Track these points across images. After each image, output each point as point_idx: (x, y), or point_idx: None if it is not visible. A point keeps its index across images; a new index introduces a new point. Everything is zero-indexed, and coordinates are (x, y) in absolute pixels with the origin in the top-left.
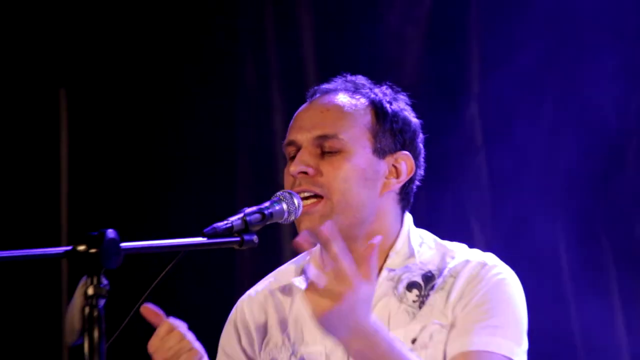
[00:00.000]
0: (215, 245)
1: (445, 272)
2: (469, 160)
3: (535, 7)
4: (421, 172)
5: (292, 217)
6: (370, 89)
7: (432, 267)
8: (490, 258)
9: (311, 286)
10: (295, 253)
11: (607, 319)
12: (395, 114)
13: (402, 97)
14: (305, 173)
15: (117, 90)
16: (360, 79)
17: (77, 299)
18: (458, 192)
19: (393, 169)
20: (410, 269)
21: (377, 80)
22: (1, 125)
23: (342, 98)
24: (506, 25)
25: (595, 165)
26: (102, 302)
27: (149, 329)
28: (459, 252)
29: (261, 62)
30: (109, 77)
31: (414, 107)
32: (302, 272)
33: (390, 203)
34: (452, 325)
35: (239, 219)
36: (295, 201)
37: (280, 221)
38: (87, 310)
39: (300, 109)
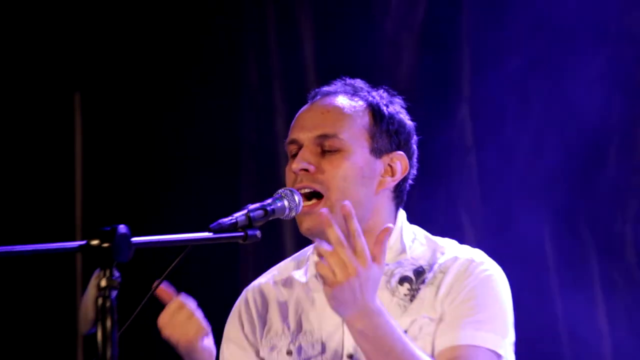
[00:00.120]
0: (220, 239)
1: (436, 267)
2: (460, 160)
3: (523, 15)
4: (414, 171)
5: (293, 213)
6: (368, 92)
7: (423, 262)
8: (478, 255)
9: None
10: (296, 246)
11: (589, 309)
12: (391, 116)
13: (397, 100)
14: (307, 170)
15: (128, 94)
16: (359, 83)
17: (91, 291)
18: (450, 189)
19: (389, 168)
20: (402, 264)
21: (374, 84)
22: (20, 128)
23: (342, 100)
24: (495, 32)
25: (578, 163)
26: (114, 293)
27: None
28: (449, 248)
29: (264, 66)
30: (120, 82)
31: (409, 110)
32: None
33: (385, 200)
34: (440, 319)
35: (243, 215)
36: (296, 198)
37: (281, 217)
38: (100, 301)
39: (302, 109)
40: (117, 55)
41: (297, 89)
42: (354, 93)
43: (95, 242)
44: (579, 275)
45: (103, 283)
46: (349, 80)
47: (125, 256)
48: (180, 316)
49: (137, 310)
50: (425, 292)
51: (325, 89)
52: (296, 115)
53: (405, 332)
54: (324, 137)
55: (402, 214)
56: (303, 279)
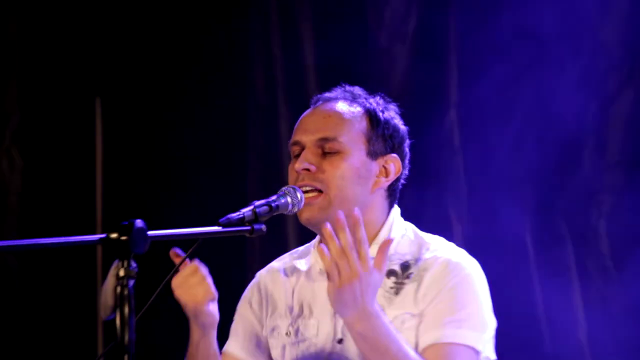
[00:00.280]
0: (229, 233)
1: (420, 263)
2: (448, 160)
3: (506, 28)
4: (406, 172)
5: (296, 209)
6: (366, 99)
7: (409, 257)
8: (457, 255)
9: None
10: (298, 239)
11: (566, 296)
12: (386, 122)
13: (392, 106)
14: (308, 170)
15: (144, 98)
16: (357, 90)
17: (110, 280)
18: (439, 187)
19: (383, 169)
20: (391, 258)
21: (370, 90)
22: (46, 130)
23: (342, 106)
24: (481, 44)
25: (556, 163)
26: (131, 282)
27: (172, 306)
28: (434, 246)
29: (268, 74)
30: (136, 87)
31: (402, 114)
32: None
33: (379, 199)
34: (422, 316)
35: (249, 210)
36: (298, 195)
37: (285, 212)
38: (118, 289)
39: (305, 113)
40: (134, 63)
41: (299, 94)
42: (353, 99)
43: (114, 235)
44: (557, 265)
45: (121, 273)
46: (348, 87)
47: (141, 248)
48: (192, 280)
49: (152, 298)
50: (408, 288)
51: (327, 95)
52: (299, 119)
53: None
54: (325, 140)
55: (395, 210)
56: (304, 268)
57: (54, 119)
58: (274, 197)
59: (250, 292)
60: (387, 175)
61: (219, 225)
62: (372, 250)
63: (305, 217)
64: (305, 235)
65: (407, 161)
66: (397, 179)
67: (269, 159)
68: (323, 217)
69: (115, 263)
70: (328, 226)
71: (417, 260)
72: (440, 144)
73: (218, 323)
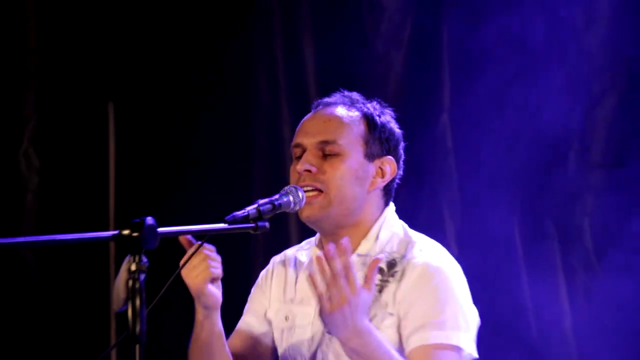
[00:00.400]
0: (234, 230)
1: (404, 262)
2: (441, 161)
3: (496, 37)
4: (401, 172)
5: (297, 207)
6: (364, 104)
7: (396, 255)
8: (436, 258)
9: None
10: (300, 236)
11: (552, 291)
12: (383, 126)
13: (388, 111)
14: (309, 171)
15: (155, 103)
16: (355, 95)
17: (122, 274)
18: (432, 188)
19: (379, 171)
20: (379, 256)
21: (367, 95)
22: (60, 133)
23: (341, 110)
24: (472, 51)
25: (543, 164)
26: (142, 276)
27: (181, 298)
28: (419, 246)
29: (272, 80)
30: (147, 92)
31: (397, 117)
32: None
33: (375, 198)
34: (403, 319)
35: (254, 208)
36: (300, 194)
37: (287, 210)
38: (130, 282)
39: (306, 117)
40: (144, 70)
41: (300, 99)
42: (351, 104)
43: (126, 232)
44: (543, 260)
45: (133, 267)
46: (346, 93)
47: (152, 244)
48: (194, 260)
49: (162, 291)
50: (390, 288)
51: (326, 100)
52: (301, 122)
53: (370, 320)
54: (325, 142)
55: (390, 208)
56: (305, 260)
57: (69, 122)
58: (276, 196)
59: (262, 276)
60: (383, 176)
61: (225, 223)
62: (363, 247)
63: (305, 215)
64: (306, 232)
65: (402, 162)
66: (393, 180)
67: (272, 160)
68: (323, 215)
69: (127, 258)
70: (321, 254)
71: (402, 258)
72: (433, 146)
73: (228, 312)
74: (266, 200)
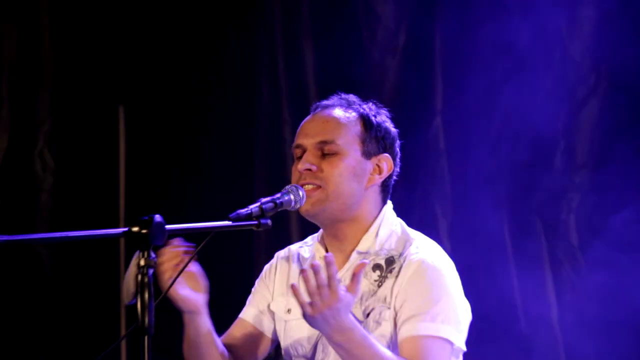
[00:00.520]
0: (238, 227)
1: (402, 259)
2: (434, 162)
3: (487, 44)
4: (398, 169)
5: (298, 206)
6: (360, 105)
7: (394, 252)
8: (432, 255)
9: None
10: (300, 233)
11: (540, 283)
12: (378, 125)
13: (383, 111)
14: (309, 170)
15: (163, 106)
16: (352, 97)
17: (132, 268)
18: (426, 186)
19: (376, 167)
20: (378, 253)
21: (364, 98)
22: (73, 135)
23: (338, 112)
24: (463, 57)
25: (531, 164)
26: (151, 271)
27: None
28: (416, 243)
29: (274, 85)
30: (156, 96)
31: (392, 119)
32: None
33: (373, 194)
34: (399, 312)
35: (256, 206)
36: (300, 193)
37: (288, 208)
38: (139, 277)
39: (306, 119)
40: (153, 75)
41: (300, 102)
42: (348, 106)
43: (135, 229)
44: (531, 254)
45: (142, 262)
46: (344, 95)
47: (160, 241)
48: (162, 266)
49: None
50: (388, 283)
51: (325, 102)
52: (301, 124)
53: (368, 314)
54: (324, 142)
55: (388, 206)
56: (307, 255)
57: (82, 124)
58: (278, 195)
59: (266, 270)
60: (380, 173)
61: (229, 220)
62: (363, 245)
63: (304, 209)
64: (306, 230)
65: (398, 160)
66: (390, 176)
67: (274, 160)
68: (320, 208)
69: (137, 254)
70: (308, 271)
71: (400, 255)
72: (427, 147)
73: (232, 306)
74: (268, 198)
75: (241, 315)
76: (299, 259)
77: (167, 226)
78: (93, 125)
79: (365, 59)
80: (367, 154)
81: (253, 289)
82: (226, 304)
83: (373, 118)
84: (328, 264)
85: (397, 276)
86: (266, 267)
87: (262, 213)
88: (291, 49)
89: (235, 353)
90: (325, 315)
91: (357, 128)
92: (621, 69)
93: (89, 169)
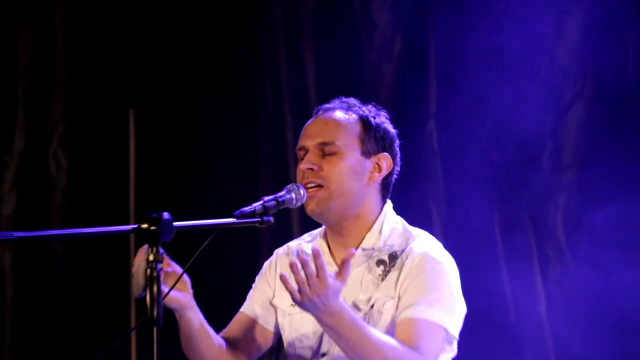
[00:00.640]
0: (242, 224)
1: (404, 254)
2: (429, 163)
3: (478, 51)
4: (398, 168)
5: (299, 203)
6: (359, 107)
7: (397, 248)
8: (434, 249)
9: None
10: (301, 229)
11: (529, 278)
12: (377, 126)
13: (383, 112)
14: (312, 169)
15: (172, 110)
16: (352, 100)
17: (141, 263)
18: (421, 186)
19: (376, 166)
20: (381, 249)
21: (363, 101)
22: (86, 136)
23: (338, 114)
24: (456, 64)
25: (521, 165)
26: (159, 265)
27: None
28: (418, 239)
29: (277, 90)
30: (166, 100)
31: (391, 120)
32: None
33: (373, 191)
34: (398, 298)
35: (260, 204)
36: (301, 191)
37: (290, 206)
38: (148, 271)
39: (308, 122)
40: (162, 80)
41: (301, 106)
42: (348, 108)
43: (145, 225)
44: (520, 250)
45: (151, 257)
46: (344, 98)
47: (168, 237)
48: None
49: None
50: (392, 275)
51: (326, 105)
52: (304, 127)
53: (373, 305)
54: (324, 144)
55: (388, 204)
56: (309, 251)
57: (94, 126)
58: (280, 194)
59: (266, 266)
60: (380, 171)
61: (234, 217)
62: (368, 241)
63: (310, 208)
64: (307, 226)
65: (398, 158)
66: (390, 174)
67: (277, 161)
68: (325, 207)
69: (146, 249)
70: (296, 263)
71: (403, 251)
72: (421, 148)
73: (236, 301)
74: (271, 197)
75: (241, 309)
76: (299, 255)
77: (175, 223)
78: (105, 127)
79: (363, 64)
80: (367, 154)
81: (253, 285)
82: (230, 297)
83: (372, 119)
84: (316, 256)
85: (400, 269)
86: (266, 263)
87: (265, 211)
88: (292, 56)
89: (235, 347)
90: (314, 300)
91: (357, 129)
92: (605, 75)
93: (100, 169)
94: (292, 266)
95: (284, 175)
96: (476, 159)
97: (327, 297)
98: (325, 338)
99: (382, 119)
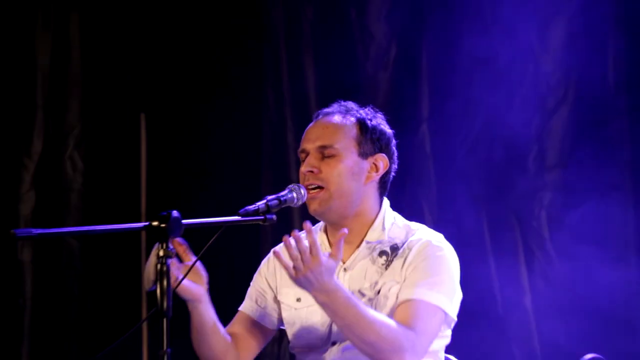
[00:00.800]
0: (246, 221)
1: (406, 245)
2: (421, 164)
3: (467, 60)
4: (395, 166)
5: (300, 202)
6: (357, 111)
7: (398, 240)
8: (437, 238)
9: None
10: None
11: (515, 272)
12: (374, 128)
13: (379, 115)
14: (312, 171)
15: (181, 114)
16: (351, 104)
17: (152, 259)
18: (413, 187)
19: (373, 166)
20: (382, 242)
21: (361, 106)
22: (100, 139)
23: (337, 118)
24: (448, 72)
25: (508, 166)
26: (169, 261)
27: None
28: (418, 231)
29: (278, 96)
30: (175, 105)
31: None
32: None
33: (372, 190)
34: (403, 283)
35: (263, 203)
36: (302, 191)
37: (291, 205)
38: (158, 266)
39: (309, 126)
40: (172, 86)
41: (302, 111)
42: (346, 112)
43: (155, 223)
44: (507, 246)
45: (161, 253)
46: (342, 103)
47: (177, 233)
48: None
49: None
50: (396, 263)
51: (326, 110)
52: (305, 130)
53: (379, 291)
54: (324, 147)
55: (386, 202)
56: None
57: (108, 130)
58: (282, 193)
59: (264, 264)
60: (377, 171)
61: (238, 215)
62: (372, 236)
63: (312, 209)
64: None
65: (395, 158)
66: (387, 173)
67: (279, 163)
68: (326, 207)
69: (156, 245)
70: (289, 239)
71: (404, 242)
72: (414, 151)
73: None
74: (273, 196)
75: (240, 308)
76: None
77: (184, 221)
78: (118, 131)
79: (360, 72)
80: (364, 155)
81: (251, 283)
82: (235, 295)
83: (369, 122)
84: (308, 232)
85: (405, 257)
86: (263, 261)
87: (268, 209)
88: (294, 64)
89: (237, 343)
90: (308, 277)
91: (354, 131)
92: (586, 81)
93: (114, 170)
94: (285, 241)
95: (285, 176)
96: (466, 161)
97: (320, 274)
98: (335, 327)
99: (379, 121)
